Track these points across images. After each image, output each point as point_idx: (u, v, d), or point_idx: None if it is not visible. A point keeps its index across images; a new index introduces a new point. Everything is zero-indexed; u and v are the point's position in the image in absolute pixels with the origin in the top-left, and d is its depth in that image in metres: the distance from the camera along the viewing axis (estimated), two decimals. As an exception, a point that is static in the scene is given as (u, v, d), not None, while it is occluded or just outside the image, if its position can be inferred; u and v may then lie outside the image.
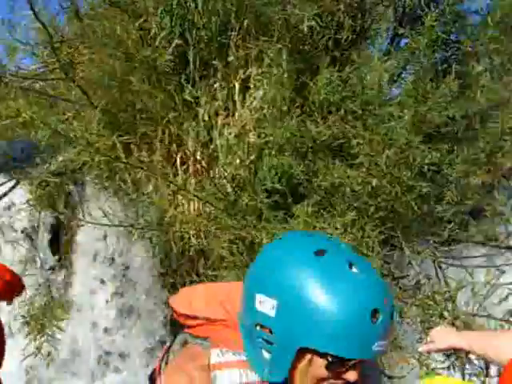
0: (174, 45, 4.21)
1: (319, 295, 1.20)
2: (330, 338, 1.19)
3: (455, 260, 4.66)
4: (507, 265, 4.43)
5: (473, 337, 2.01)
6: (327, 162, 3.85)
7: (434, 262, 4.20)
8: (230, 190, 4.07)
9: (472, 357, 3.19)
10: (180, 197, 4.20)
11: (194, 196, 4.10)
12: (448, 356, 3.32)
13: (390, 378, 3.69)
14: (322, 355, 1.23)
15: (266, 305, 1.25)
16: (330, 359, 1.23)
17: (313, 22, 4.01)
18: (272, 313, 1.24)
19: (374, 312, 1.21)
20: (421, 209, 3.98)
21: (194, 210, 4.18)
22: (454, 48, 4.49)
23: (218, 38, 4.16)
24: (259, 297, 1.26)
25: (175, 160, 4.32)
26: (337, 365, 1.24)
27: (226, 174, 4.08)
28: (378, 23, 4.40)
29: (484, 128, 4.08)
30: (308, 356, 1.24)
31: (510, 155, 3.95)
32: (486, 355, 1.90)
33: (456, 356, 3.33)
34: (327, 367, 1.24)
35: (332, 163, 3.94)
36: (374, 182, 3.78)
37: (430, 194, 4.02)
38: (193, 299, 1.42)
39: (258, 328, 1.28)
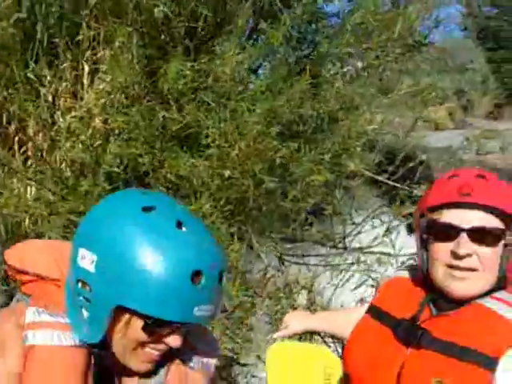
0: (15, 17, 3.89)
1: (140, 252, 1.13)
2: (147, 299, 1.13)
3: (298, 258, 4.76)
4: (343, 264, 4.56)
5: (325, 317, 2.13)
6: (176, 152, 3.74)
7: (279, 258, 4.26)
8: (69, 174, 3.82)
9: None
10: (15, 181, 3.86)
11: (29, 180, 3.80)
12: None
13: (244, 365, 3.65)
14: (141, 316, 1.16)
15: (86, 260, 1.18)
16: (148, 321, 1.17)
17: (165, 9, 3.89)
18: (92, 268, 1.16)
19: (196, 274, 1.15)
20: (268, 204, 4.01)
21: (31, 194, 3.86)
22: (309, 48, 4.59)
23: (70, 16, 3.90)
24: (82, 251, 1.19)
25: (13, 141, 3.97)
26: (156, 328, 1.18)
27: (66, 158, 3.83)
28: (237, 17, 4.38)
29: (332, 129, 4.20)
30: (126, 316, 1.18)
31: (354, 157, 4.08)
32: (334, 333, 2.02)
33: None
34: (145, 329, 1.18)
35: (184, 153, 3.85)
36: (227, 173, 3.74)
37: (277, 190, 4.05)
38: (26, 253, 1.30)
39: (79, 285, 1.20)
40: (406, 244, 4.56)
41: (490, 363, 1.38)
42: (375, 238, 4.35)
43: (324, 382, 1.95)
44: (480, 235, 1.46)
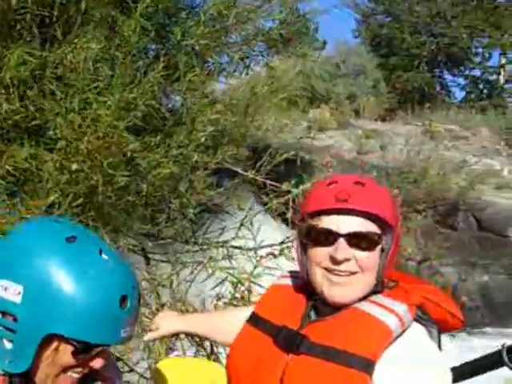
0: None
1: (69, 281, 1.18)
2: (79, 325, 1.18)
3: (162, 255, 4.68)
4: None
5: (195, 319, 2.11)
6: (18, 144, 3.56)
7: (145, 256, 4.17)
8: None
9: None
10: None
11: None
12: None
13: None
14: (69, 342, 1.21)
15: (10, 291, 1.20)
16: (77, 346, 1.21)
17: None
18: (17, 299, 1.19)
19: (123, 298, 1.22)
20: (120, 199, 3.90)
21: None
22: (165, 40, 4.52)
23: None
24: (3, 282, 1.21)
25: None
26: (84, 352, 1.23)
27: None
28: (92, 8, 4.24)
29: (181, 125, 4.14)
30: (55, 343, 1.22)
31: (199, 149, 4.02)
32: (207, 336, 2.07)
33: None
34: (74, 354, 1.23)
35: (29, 145, 3.67)
36: (74, 166, 3.60)
37: (130, 185, 3.95)
38: None
39: None
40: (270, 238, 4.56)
41: (367, 366, 1.40)
42: (236, 234, 4.33)
43: None
44: (357, 240, 1.48)
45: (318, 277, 1.53)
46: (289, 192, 5.40)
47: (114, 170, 3.66)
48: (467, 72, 24.55)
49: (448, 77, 25.00)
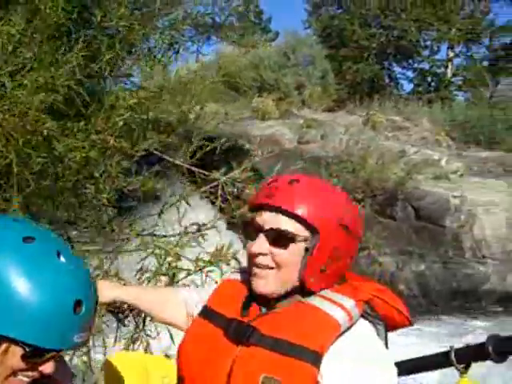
0: None
1: (21, 283, 1.15)
2: (29, 328, 1.15)
3: (87, 244, 4.57)
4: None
5: (134, 290, 2.12)
6: None
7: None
8: None
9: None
10: None
11: None
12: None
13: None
14: (20, 345, 1.17)
15: None
16: (27, 349, 1.17)
17: None
18: None
19: (78, 303, 1.19)
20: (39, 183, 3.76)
21: None
22: (88, 23, 4.38)
23: None
24: None
25: None
26: (34, 356, 1.19)
27: None
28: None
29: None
30: (4, 345, 1.17)
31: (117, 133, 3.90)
32: (140, 308, 2.04)
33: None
34: (23, 358, 1.19)
35: None
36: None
37: (47, 168, 3.82)
38: None
39: None
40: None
41: (315, 358, 1.43)
42: (157, 221, 4.26)
43: None
44: (275, 237, 1.52)
45: (249, 269, 1.60)
46: (216, 180, 5.35)
47: (30, 151, 3.53)
48: (416, 65, 24.87)
49: (397, 69, 25.29)
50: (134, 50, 4.89)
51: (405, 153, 10.03)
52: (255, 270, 1.57)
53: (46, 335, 1.17)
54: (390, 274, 9.52)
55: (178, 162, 5.67)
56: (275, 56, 19.88)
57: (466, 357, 1.93)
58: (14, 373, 1.22)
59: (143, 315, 3.24)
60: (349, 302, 1.51)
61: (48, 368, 1.24)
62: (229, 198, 5.03)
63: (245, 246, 1.65)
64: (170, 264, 4.04)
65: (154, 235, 4.15)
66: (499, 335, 1.91)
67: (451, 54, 24.26)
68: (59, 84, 3.80)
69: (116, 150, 3.68)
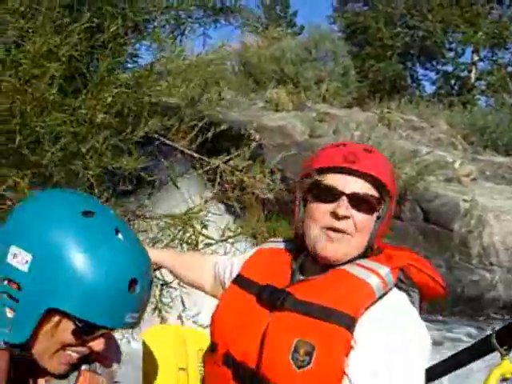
0: None
1: (79, 257, 1.14)
2: (82, 303, 1.14)
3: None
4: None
5: (168, 254, 2.26)
6: None
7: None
8: None
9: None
10: None
11: None
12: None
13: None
14: (72, 319, 1.17)
15: (19, 258, 1.15)
16: (78, 324, 1.17)
17: None
18: (25, 267, 1.14)
19: (133, 282, 1.18)
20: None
21: None
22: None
23: None
24: (13, 249, 1.16)
25: None
26: (84, 331, 1.20)
27: None
28: None
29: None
30: (56, 318, 1.18)
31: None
32: (174, 270, 2.13)
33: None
34: (74, 332, 1.19)
35: None
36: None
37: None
38: None
39: (5, 282, 1.17)
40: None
41: (349, 323, 1.46)
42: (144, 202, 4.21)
43: (198, 366, 1.95)
44: (359, 201, 1.56)
45: (314, 232, 1.59)
46: (217, 167, 5.27)
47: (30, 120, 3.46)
48: (439, 67, 24.55)
49: (420, 70, 24.99)
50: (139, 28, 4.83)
51: (417, 153, 9.84)
52: (330, 233, 1.57)
53: (99, 311, 1.16)
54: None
55: (177, 146, 5.59)
56: (297, 50, 19.75)
57: (509, 338, 1.90)
58: (64, 347, 1.22)
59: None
60: (384, 270, 1.55)
61: (98, 345, 1.24)
62: (227, 185, 4.96)
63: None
64: (194, 231, 4.00)
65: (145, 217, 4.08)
66: None
67: (476, 58, 23.91)
68: (62, 54, 3.72)
69: (104, 126, 3.59)
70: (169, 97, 5.06)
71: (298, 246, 1.70)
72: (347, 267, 1.59)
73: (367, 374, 1.44)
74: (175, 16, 5.06)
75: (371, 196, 1.59)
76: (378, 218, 1.63)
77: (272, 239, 1.91)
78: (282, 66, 19.00)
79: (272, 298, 1.59)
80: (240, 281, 1.75)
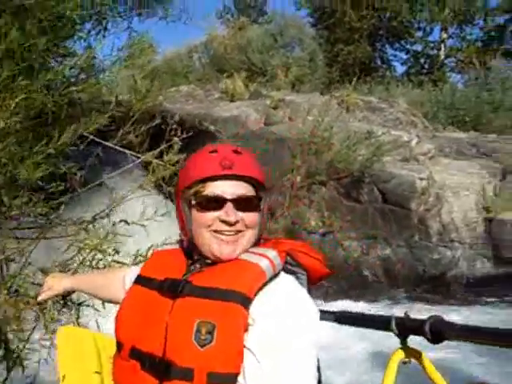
0: None
1: None
2: None
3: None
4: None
5: (81, 278, 2.43)
6: None
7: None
8: None
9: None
10: None
11: None
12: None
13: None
14: None
15: None
16: None
17: None
18: None
19: None
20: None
21: None
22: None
23: None
24: None
25: None
26: None
27: None
28: None
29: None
30: None
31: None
32: (92, 293, 2.27)
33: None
34: None
35: None
36: None
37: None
38: None
39: None
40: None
41: (244, 300, 1.56)
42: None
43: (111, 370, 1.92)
44: (243, 203, 1.67)
45: (207, 238, 1.69)
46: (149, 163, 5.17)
47: None
48: (408, 46, 24.50)
49: (390, 51, 24.92)
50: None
51: (373, 134, 9.75)
52: (223, 237, 1.68)
53: None
54: (354, 258, 9.33)
55: (110, 144, 5.47)
56: (263, 38, 19.64)
57: (405, 328, 1.99)
58: None
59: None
60: (271, 253, 1.65)
61: None
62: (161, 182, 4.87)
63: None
64: (103, 257, 3.95)
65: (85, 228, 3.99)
66: (441, 317, 1.93)
67: (444, 36, 23.88)
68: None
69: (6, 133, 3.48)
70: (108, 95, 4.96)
71: (193, 249, 1.77)
72: (240, 256, 1.69)
73: (264, 349, 1.54)
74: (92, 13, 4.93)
75: (252, 195, 1.70)
76: (260, 210, 1.74)
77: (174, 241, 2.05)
78: (248, 54, 18.93)
79: (172, 289, 1.67)
80: (140, 281, 1.82)
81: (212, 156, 1.70)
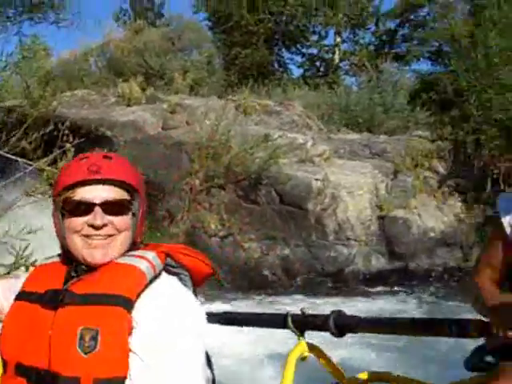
0: None
1: None
2: None
3: None
4: None
5: None
6: None
7: None
8: None
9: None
10: None
11: None
12: None
13: None
14: None
15: None
16: None
17: None
18: None
19: None
20: None
21: None
22: None
23: None
24: None
25: None
26: None
27: None
28: None
29: None
30: None
31: None
32: None
33: None
34: None
35: None
36: None
37: None
38: None
39: None
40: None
41: (126, 303, 1.56)
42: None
43: None
44: (111, 207, 1.66)
45: (78, 243, 1.67)
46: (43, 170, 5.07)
47: None
48: (304, 50, 25.06)
49: (286, 54, 25.40)
50: None
51: (270, 137, 9.94)
52: (93, 242, 1.66)
53: None
54: (254, 259, 9.47)
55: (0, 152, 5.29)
56: (161, 41, 19.50)
57: (303, 324, 2.04)
58: None
59: None
60: (150, 254, 1.67)
61: None
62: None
63: None
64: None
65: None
66: (343, 311, 1.99)
67: (338, 40, 24.60)
68: None
69: None
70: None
71: (71, 257, 1.74)
72: (119, 259, 1.68)
73: (149, 351, 1.55)
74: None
75: (121, 199, 1.70)
76: (134, 214, 1.73)
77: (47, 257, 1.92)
78: (145, 58, 18.72)
79: (52, 300, 1.65)
80: (21, 296, 1.76)
81: (81, 162, 1.71)
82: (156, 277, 1.65)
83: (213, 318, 1.99)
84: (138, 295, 1.60)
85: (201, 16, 24.68)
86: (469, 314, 2.21)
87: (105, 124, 10.05)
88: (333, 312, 1.98)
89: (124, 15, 26.56)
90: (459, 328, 1.95)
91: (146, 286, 1.62)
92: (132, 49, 19.41)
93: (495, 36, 11.23)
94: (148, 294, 1.61)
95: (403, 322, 1.92)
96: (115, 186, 1.69)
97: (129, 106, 11.14)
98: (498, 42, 11.17)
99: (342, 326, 1.94)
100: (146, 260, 1.65)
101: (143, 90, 12.33)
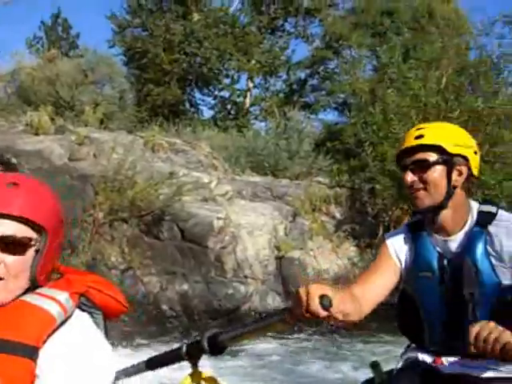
0: None
1: None
2: None
3: None
4: None
5: None
6: None
7: None
8: None
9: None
10: None
11: None
12: None
13: None
14: None
15: None
16: None
17: None
18: None
19: None
20: None
21: None
22: None
23: None
24: None
25: None
26: None
27: None
28: None
29: None
30: None
31: None
32: None
33: None
34: None
35: None
36: None
37: None
38: None
39: None
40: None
41: (30, 352, 1.44)
42: None
43: None
44: (5, 244, 1.47)
45: None
46: None
47: None
48: (216, 92, 25.58)
49: (198, 95, 25.82)
50: None
51: (175, 174, 10.21)
52: None
53: None
54: (153, 294, 9.60)
55: None
56: (73, 72, 19.41)
57: (194, 352, 2.04)
58: None
59: None
60: (62, 295, 1.53)
61: None
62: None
63: None
64: None
65: None
66: (216, 330, 2.03)
67: (250, 85, 25.32)
68: None
69: None
70: None
71: None
72: (23, 297, 1.53)
73: None
74: None
75: (20, 237, 1.49)
76: (38, 251, 1.54)
77: None
78: (57, 88, 18.57)
79: None
80: None
81: None
82: (67, 317, 1.55)
83: (120, 372, 1.99)
84: (46, 339, 1.49)
85: (116, 50, 24.70)
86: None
87: (10, 151, 10.00)
88: (206, 332, 2.01)
89: (37, 42, 26.31)
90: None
91: (55, 330, 1.51)
92: (43, 78, 19.22)
93: (392, 93, 12.08)
94: (56, 338, 1.51)
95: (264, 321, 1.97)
96: (17, 221, 1.49)
97: (37, 134, 11.12)
98: (394, 99, 11.99)
99: (214, 343, 1.97)
100: (57, 303, 1.52)
101: (52, 119, 12.31)
